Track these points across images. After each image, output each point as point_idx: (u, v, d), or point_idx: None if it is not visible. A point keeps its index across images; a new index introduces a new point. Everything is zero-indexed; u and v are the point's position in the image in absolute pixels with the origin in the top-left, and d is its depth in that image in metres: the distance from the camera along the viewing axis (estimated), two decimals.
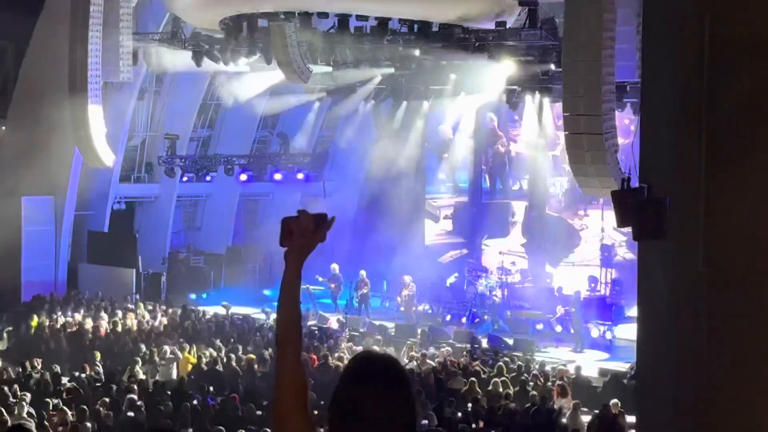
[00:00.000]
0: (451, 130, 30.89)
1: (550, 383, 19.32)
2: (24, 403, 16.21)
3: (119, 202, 32.19)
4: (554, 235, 29.17)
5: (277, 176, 32.66)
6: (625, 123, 23.77)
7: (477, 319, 26.83)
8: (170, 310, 26.98)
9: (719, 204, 7.98)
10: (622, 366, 21.14)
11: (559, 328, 25.94)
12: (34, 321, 24.99)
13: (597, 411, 17.10)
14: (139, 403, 16.72)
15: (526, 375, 19.83)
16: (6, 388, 17.49)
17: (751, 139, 7.78)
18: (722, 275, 8.01)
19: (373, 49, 24.82)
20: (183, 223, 34.34)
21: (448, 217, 32.35)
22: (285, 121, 33.89)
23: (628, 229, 10.03)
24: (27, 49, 30.15)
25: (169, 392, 18.06)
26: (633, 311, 18.52)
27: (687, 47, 8.17)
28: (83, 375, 19.47)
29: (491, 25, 23.03)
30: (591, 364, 22.09)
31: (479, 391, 18.47)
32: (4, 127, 31.58)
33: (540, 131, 27.11)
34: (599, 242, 27.99)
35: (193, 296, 30.25)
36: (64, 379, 19.15)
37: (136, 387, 18.18)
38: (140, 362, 20.58)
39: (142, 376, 19.69)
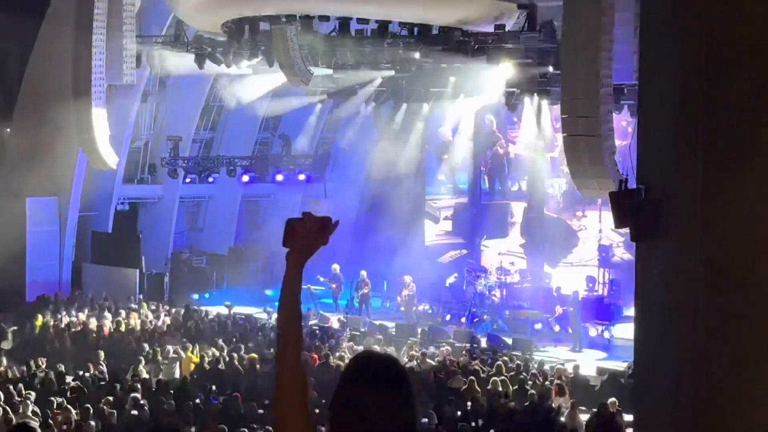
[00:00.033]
0: (450, 132, 30.88)
1: (548, 382, 19.31)
2: (29, 402, 16.22)
3: (123, 203, 32.19)
4: (553, 236, 29.15)
5: (279, 177, 32.67)
6: (623, 125, 23.74)
7: (476, 319, 26.82)
8: (173, 310, 26.98)
9: (717, 205, 7.95)
10: (619, 365, 21.14)
11: (557, 328, 25.94)
12: (39, 321, 24.98)
13: (595, 410, 17.07)
14: (142, 401, 16.71)
15: (524, 374, 19.80)
16: (11, 387, 17.49)
17: (750, 139, 7.75)
18: (720, 275, 7.99)
19: (374, 51, 24.80)
20: (186, 223, 34.33)
21: (448, 218, 32.33)
22: (287, 123, 33.89)
23: (626, 230, 10.01)
24: (32, 52, 30.13)
25: (172, 391, 18.03)
26: (630, 311, 18.51)
27: (685, 48, 8.15)
28: (87, 374, 19.46)
29: (490, 28, 23.00)
30: (589, 364, 22.06)
31: (478, 390, 18.45)
32: (9, 129, 31.57)
33: (538, 133, 27.09)
34: (597, 243, 27.96)
35: (195, 296, 30.25)
36: (69, 378, 19.14)
37: (139, 386, 18.15)
38: (144, 361, 20.55)
39: (145, 375, 19.67)
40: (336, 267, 28.27)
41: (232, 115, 32.48)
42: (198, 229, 34.53)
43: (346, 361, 19.57)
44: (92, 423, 15.08)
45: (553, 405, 17.73)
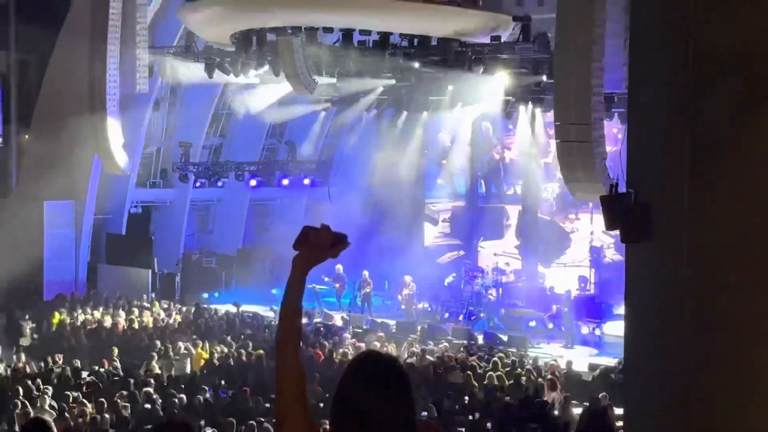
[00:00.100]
0: (449, 138, 30.88)
1: (541, 379, 19.29)
2: (46, 396, 16.23)
3: (136, 206, 32.20)
4: (546, 238, 29.15)
5: (285, 182, 32.72)
6: (613, 132, 23.75)
7: (473, 317, 26.81)
8: (184, 309, 26.99)
9: (702, 208, 7.97)
10: (610, 361, 21.12)
11: (551, 326, 25.92)
12: (56, 318, 24.99)
13: (587, 403, 17.06)
14: (154, 396, 16.71)
15: (519, 369, 19.80)
16: (29, 382, 17.51)
17: (733, 146, 7.77)
18: (705, 275, 8.01)
19: (376, 61, 24.81)
20: (196, 226, 34.33)
21: (446, 221, 32.33)
22: (292, 130, 33.91)
23: (616, 232, 10.01)
24: (49, 62, 30.17)
25: (183, 386, 18.05)
26: (621, 309, 18.51)
27: (671, 59, 8.16)
28: (102, 369, 19.46)
29: (487, 40, 23.01)
30: (581, 360, 22.06)
31: (475, 384, 18.45)
32: (27, 136, 31.61)
33: (533, 139, 27.09)
34: (589, 244, 27.97)
35: (205, 295, 30.25)
36: (84, 374, 19.14)
37: (152, 381, 18.17)
38: (156, 357, 20.56)
39: (157, 371, 19.67)
40: (339, 267, 28.27)
41: (240, 122, 32.49)
42: (208, 231, 34.53)
43: (349, 357, 19.63)
44: (107, 416, 15.09)
45: (546, 399, 17.72)
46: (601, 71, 17.94)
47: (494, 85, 24.56)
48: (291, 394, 3.45)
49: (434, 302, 28.28)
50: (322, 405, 14.38)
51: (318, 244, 3.55)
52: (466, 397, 17.74)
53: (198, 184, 31.82)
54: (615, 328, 23.13)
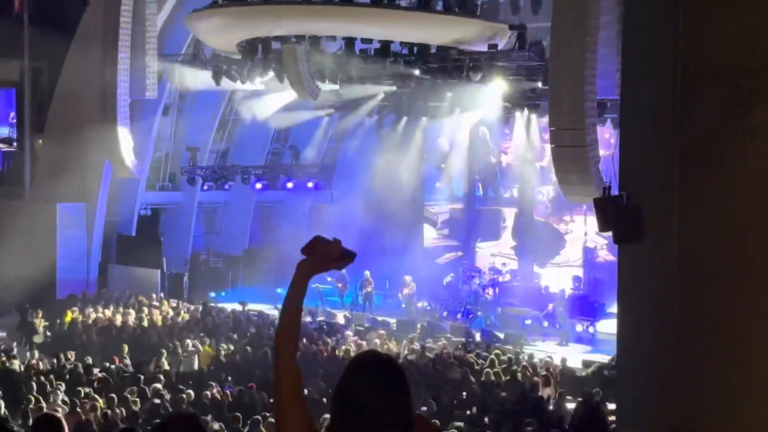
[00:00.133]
0: (448, 143, 30.89)
1: (537, 374, 19.29)
2: (59, 392, 16.26)
3: (145, 208, 32.23)
4: (541, 239, 29.15)
5: (289, 185, 32.75)
6: (606, 136, 23.74)
7: (471, 315, 26.81)
8: (192, 307, 27.02)
9: (691, 210, 8.00)
10: (604, 358, 21.11)
11: (546, 324, 25.93)
12: (68, 317, 25.02)
13: (581, 399, 17.07)
14: (163, 391, 16.73)
15: (515, 366, 19.80)
16: (42, 378, 17.54)
17: (720, 151, 7.80)
18: (692, 275, 8.03)
19: (377, 69, 24.81)
20: (203, 227, 34.35)
21: (445, 223, 32.35)
22: (296, 135, 33.92)
23: (609, 233, 10.02)
24: (62, 70, 30.20)
25: (191, 382, 18.06)
26: (613, 308, 18.51)
27: (662, 67, 8.19)
28: (113, 366, 19.49)
29: (484, 48, 23.03)
30: (575, 357, 22.06)
31: (473, 380, 18.46)
32: (41, 141, 31.64)
33: (528, 144, 27.10)
34: (582, 245, 27.98)
35: (212, 294, 30.26)
36: (96, 370, 19.16)
37: (161, 377, 18.18)
38: (165, 354, 20.57)
39: (166, 367, 19.69)
40: None
41: (246, 127, 32.51)
42: (215, 232, 34.54)
43: (351, 353, 19.64)
44: (117, 411, 15.11)
45: (542, 395, 17.72)
46: (594, 78, 17.95)
47: (491, 91, 24.56)
48: (288, 393, 3.47)
49: (433, 301, 28.29)
50: (325, 400, 14.40)
51: (324, 256, 3.57)
52: (464, 393, 17.74)
53: (205, 187, 31.84)
54: (608, 326, 23.11)
